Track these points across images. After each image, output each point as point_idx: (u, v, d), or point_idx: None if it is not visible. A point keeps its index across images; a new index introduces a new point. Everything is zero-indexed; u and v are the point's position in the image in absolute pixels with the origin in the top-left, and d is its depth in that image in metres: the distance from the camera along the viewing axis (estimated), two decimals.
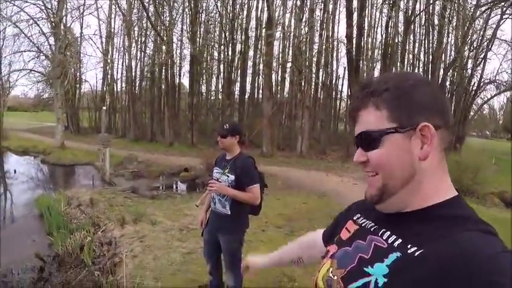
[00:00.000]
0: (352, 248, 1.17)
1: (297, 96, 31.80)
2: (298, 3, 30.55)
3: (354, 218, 1.32)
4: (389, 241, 1.07)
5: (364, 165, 1.15)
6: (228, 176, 4.24)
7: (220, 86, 38.72)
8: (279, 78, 36.66)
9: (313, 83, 31.27)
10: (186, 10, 35.20)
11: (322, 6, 29.95)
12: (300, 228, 8.76)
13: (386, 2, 28.38)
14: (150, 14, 32.12)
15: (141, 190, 13.50)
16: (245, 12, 35.80)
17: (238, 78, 36.48)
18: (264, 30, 31.60)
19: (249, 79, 37.56)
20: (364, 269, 1.05)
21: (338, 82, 39.48)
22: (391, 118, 1.08)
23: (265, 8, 29.69)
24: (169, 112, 32.82)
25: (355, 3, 24.99)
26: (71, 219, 9.40)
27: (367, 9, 30.06)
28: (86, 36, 38.89)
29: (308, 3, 29.07)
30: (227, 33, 34.61)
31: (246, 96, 37.74)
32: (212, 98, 41.14)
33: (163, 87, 36.49)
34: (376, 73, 32.40)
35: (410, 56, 33.88)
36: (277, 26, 31.13)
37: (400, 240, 1.05)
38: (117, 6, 37.03)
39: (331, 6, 30.94)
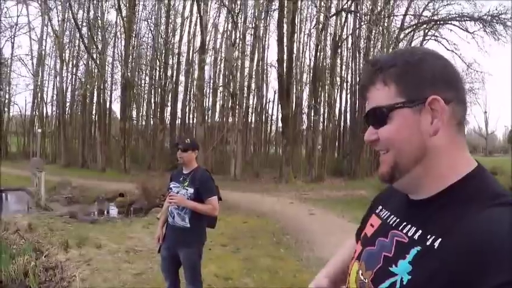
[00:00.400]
0: (376, 248, 1.15)
1: (228, 120, 32.05)
2: (230, 27, 31.06)
3: (377, 211, 1.31)
4: (410, 234, 1.04)
5: (375, 143, 1.11)
6: (187, 189, 4.37)
7: (151, 111, 38.52)
8: (210, 103, 36.91)
9: (245, 107, 31.62)
10: (119, 33, 35.05)
11: (253, 31, 30.53)
12: (244, 245, 8.97)
13: (315, 27, 29.27)
14: (83, 36, 31.67)
15: (79, 215, 13.27)
16: (177, 37, 36.05)
17: (170, 103, 36.51)
18: (196, 55, 31.86)
19: (180, 104, 37.73)
20: (389, 268, 1.03)
21: (268, 106, 40.09)
22: (399, 93, 1.05)
23: (198, 33, 30.02)
24: (101, 137, 32.33)
25: (285, 29, 25.66)
26: (10, 245, 9.15)
27: (296, 33, 30.86)
28: (17, 56, 37.88)
29: (240, 28, 29.60)
30: (159, 57, 34.53)
31: (178, 121, 37.72)
32: (143, 123, 40.81)
33: (94, 111, 35.94)
34: (305, 96, 33.27)
35: (338, 79, 34.96)
36: (209, 50, 31.47)
37: (420, 232, 1.02)
38: (49, 27, 36.32)
39: (261, 31, 31.53)
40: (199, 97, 28.13)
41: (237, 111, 29.08)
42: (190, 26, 36.22)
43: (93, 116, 36.64)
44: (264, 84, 37.62)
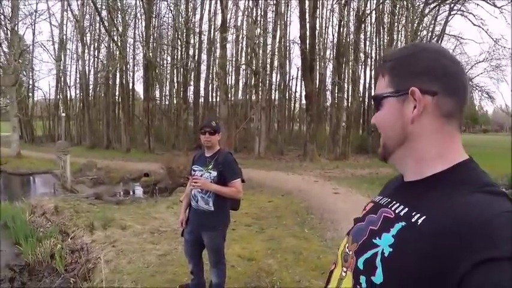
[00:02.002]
0: (365, 222, 1.20)
1: (251, 98, 31.90)
2: (251, 5, 30.76)
3: (372, 199, 1.36)
4: (397, 211, 1.10)
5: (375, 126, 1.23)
6: (211, 173, 4.31)
7: (174, 91, 38.61)
8: (233, 81, 36.81)
9: (268, 85, 31.42)
10: (139, 15, 34.99)
11: (275, 8, 30.22)
12: (269, 225, 8.91)
13: (338, 2, 28.82)
14: (103, 19, 31.74)
15: (104, 196, 13.36)
16: (198, 16, 35.86)
17: (193, 82, 36.49)
18: (217, 33, 31.69)
19: (203, 83, 37.66)
20: (373, 240, 1.07)
21: (292, 83, 39.83)
22: (389, 84, 1.16)
23: (219, 11, 29.81)
24: (125, 118, 32.48)
25: (307, 4, 25.29)
26: (37, 228, 9.25)
27: (319, 9, 30.44)
28: (38, 42, 38.18)
29: (261, 5, 29.30)
30: (180, 37, 34.47)
31: (201, 100, 37.72)
32: (167, 102, 40.97)
33: (117, 93, 36.11)
34: (329, 72, 32.93)
35: (362, 55, 34.40)
36: (231, 28, 31.27)
37: (406, 209, 1.06)
38: (69, 12, 36.48)
39: (283, 8, 31.20)
40: (221, 75, 27.95)
41: (260, 88, 28.94)
42: (210, 5, 36.08)
43: (117, 98, 36.83)
44: (287, 61, 37.25)
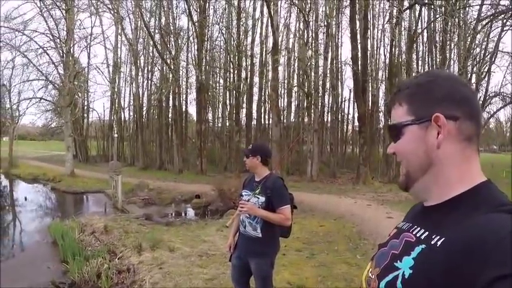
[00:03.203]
0: (387, 247, 1.22)
1: (304, 120, 31.72)
2: (302, 27, 30.75)
3: (396, 225, 1.36)
4: (418, 235, 1.11)
5: (395, 155, 1.24)
6: (258, 198, 4.13)
7: (227, 113, 38.92)
8: (285, 103, 36.79)
9: (320, 106, 31.21)
10: (191, 38, 35.53)
11: (325, 29, 30.11)
12: (320, 250, 8.64)
13: (389, 22, 28.50)
14: (156, 43, 32.38)
15: (154, 217, 13.36)
16: (249, 39, 36.17)
17: (245, 105, 36.57)
18: (269, 56, 31.79)
19: (255, 105, 37.76)
20: (394, 264, 1.09)
21: (344, 105, 39.52)
22: (410, 111, 1.16)
23: (270, 34, 29.91)
24: (178, 140, 32.84)
25: (357, 25, 25.12)
26: (85, 247, 9.29)
27: (369, 30, 30.20)
28: (93, 65, 39.30)
29: (312, 27, 29.25)
30: (233, 60, 34.73)
31: (253, 122, 37.80)
32: (219, 124, 41.27)
33: (170, 115, 36.63)
34: (381, 94, 32.51)
35: (415, 74, 33.75)
36: (282, 50, 31.33)
37: (426, 233, 1.08)
38: (123, 35, 37.47)
39: (334, 29, 31.08)
40: (273, 97, 27.90)
41: (312, 110, 28.75)
42: (261, 28, 36.37)
43: (170, 120, 37.37)
44: (339, 83, 37.05)
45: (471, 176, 1.12)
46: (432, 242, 1.02)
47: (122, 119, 43.22)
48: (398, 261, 1.08)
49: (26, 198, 17.94)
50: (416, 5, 28.19)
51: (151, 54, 38.25)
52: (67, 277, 7.65)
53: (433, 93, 1.14)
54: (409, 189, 1.22)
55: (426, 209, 1.20)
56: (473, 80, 30.13)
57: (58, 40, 29.74)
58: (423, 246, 1.04)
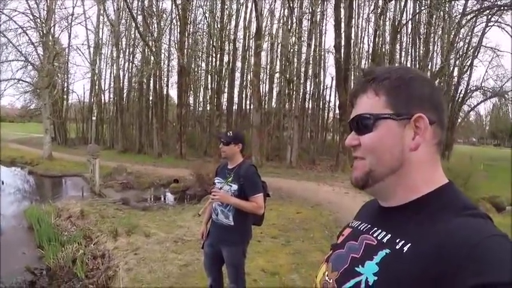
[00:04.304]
0: (345, 250, 1.17)
1: (285, 106, 31.77)
2: (286, 13, 30.68)
3: (350, 224, 1.33)
4: (379, 238, 1.08)
5: (355, 148, 1.16)
6: (231, 186, 4.13)
7: (208, 97, 38.86)
8: (267, 89, 36.78)
9: (302, 93, 31.24)
10: (174, 21, 35.23)
11: (310, 16, 30.04)
12: (295, 238, 8.69)
13: (374, 12, 28.56)
14: (138, 24, 32.07)
15: (131, 202, 13.32)
16: (233, 23, 35.96)
17: (226, 89, 36.53)
18: (252, 41, 31.70)
19: (236, 90, 37.73)
20: (356, 268, 1.05)
21: (326, 92, 39.63)
22: (388, 104, 1.10)
23: (253, 19, 29.81)
24: (158, 123, 32.66)
25: (342, 14, 25.09)
26: (61, 232, 9.24)
27: (354, 19, 30.24)
28: (74, 46, 38.74)
29: (296, 14, 29.17)
30: (215, 44, 34.58)
31: (234, 107, 37.75)
32: (200, 109, 41.17)
33: (151, 98, 36.41)
34: None
35: (397, 65, 33.96)
36: (266, 36, 31.24)
37: (389, 236, 1.05)
38: (105, 16, 37.00)
39: (318, 17, 31.03)
40: (255, 83, 27.83)
41: (293, 97, 28.77)
42: (246, 12, 36.15)
43: (150, 103, 37.08)
44: (322, 71, 37.30)
45: (436, 178, 1.11)
46: (397, 247, 0.99)
47: (102, 101, 42.71)
48: (359, 265, 1.05)
49: (3, 182, 17.71)
50: None
51: (133, 36, 37.70)
52: (42, 263, 7.61)
53: (415, 91, 1.11)
54: (367, 188, 1.15)
55: (386, 210, 1.16)
56: (456, 73, 30.47)
57: (38, 20, 29.17)
58: (387, 250, 1.01)
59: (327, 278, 1.16)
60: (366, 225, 1.20)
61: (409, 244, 0.97)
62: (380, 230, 1.10)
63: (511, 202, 14.93)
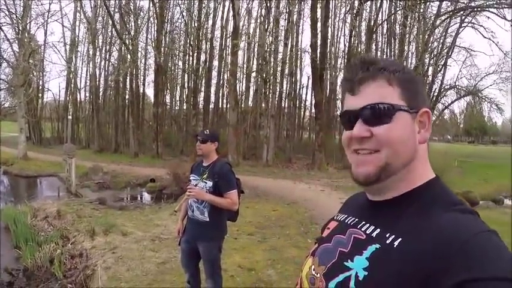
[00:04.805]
0: (332, 244, 1.15)
1: (261, 105, 31.87)
2: (264, 13, 30.76)
3: (335, 217, 1.31)
4: (368, 232, 1.06)
5: (362, 140, 1.07)
6: (206, 183, 4.23)
7: (184, 96, 38.65)
8: (244, 88, 36.82)
9: (278, 92, 31.39)
10: (151, 19, 35.09)
11: (287, 16, 30.20)
12: (271, 235, 8.80)
13: (350, 12, 28.80)
14: (115, 22, 31.84)
15: (108, 201, 13.30)
16: (210, 22, 35.87)
17: (203, 88, 36.41)
18: (229, 40, 31.71)
19: (213, 89, 37.68)
20: (344, 263, 1.03)
21: (302, 91, 39.81)
22: (402, 97, 1.07)
23: (231, 18, 29.82)
24: (134, 122, 32.52)
25: (319, 14, 25.27)
26: (38, 232, 9.20)
27: (330, 19, 30.46)
28: (50, 43, 38.28)
29: (273, 14, 29.29)
30: (192, 43, 34.51)
31: (211, 106, 37.69)
32: (176, 108, 41.01)
33: (127, 97, 36.21)
34: (340, 82, 32.94)
35: None
36: (242, 35, 31.29)
37: (378, 230, 1.04)
38: (82, 14, 36.62)
39: (295, 17, 31.18)
40: (232, 82, 27.97)
41: (270, 96, 28.89)
42: (223, 11, 36.07)
43: (127, 101, 36.89)
44: (298, 70, 37.51)
45: (428, 172, 1.11)
46: (387, 242, 0.98)
47: (78, 100, 42.37)
48: (348, 260, 1.02)
49: None
50: None
51: (110, 34, 37.41)
52: (19, 263, 7.59)
53: (420, 87, 1.13)
54: (377, 184, 1.08)
55: (375, 203, 1.14)
56: (430, 72, 30.91)
57: (14, 16, 28.79)
58: (377, 245, 0.99)
59: (313, 272, 1.13)
60: (354, 218, 1.17)
61: (400, 239, 0.96)
62: (368, 224, 1.09)
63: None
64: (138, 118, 34.15)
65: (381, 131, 1.04)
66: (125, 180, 18.86)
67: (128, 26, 32.28)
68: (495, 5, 26.67)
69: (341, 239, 1.13)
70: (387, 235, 0.99)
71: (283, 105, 35.70)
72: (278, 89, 30.92)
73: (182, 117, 38.28)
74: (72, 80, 40.08)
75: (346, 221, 1.20)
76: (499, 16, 27.74)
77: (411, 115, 1.06)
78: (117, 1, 32.16)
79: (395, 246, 0.95)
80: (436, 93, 32.32)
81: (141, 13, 34.28)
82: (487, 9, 27.53)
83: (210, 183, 4.20)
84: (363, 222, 1.11)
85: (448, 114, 69.39)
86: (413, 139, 1.07)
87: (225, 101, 37.92)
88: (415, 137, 1.07)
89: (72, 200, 13.16)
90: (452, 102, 36.10)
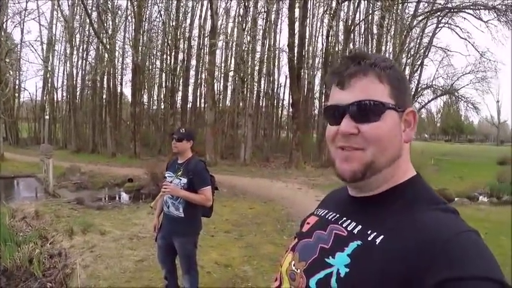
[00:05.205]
0: (313, 239, 1.14)
1: (239, 104, 31.98)
2: (241, 12, 30.85)
3: (315, 212, 1.32)
4: (349, 228, 1.06)
5: (348, 138, 1.07)
6: (181, 179, 4.39)
7: (162, 95, 38.62)
8: (221, 87, 36.85)
9: (256, 92, 31.51)
10: (129, 18, 34.89)
11: (265, 15, 30.33)
12: (248, 232, 8.96)
13: (327, 12, 29.02)
14: (93, 21, 31.61)
15: (86, 201, 13.30)
16: (188, 21, 35.85)
17: (181, 88, 36.39)
18: (207, 39, 31.73)
19: (191, 88, 37.63)
20: (326, 259, 1.03)
21: (279, 90, 39.98)
22: (392, 95, 1.07)
23: (209, 17, 29.85)
24: (112, 122, 32.33)
25: (297, 13, 25.45)
26: (17, 232, 9.19)
27: (308, 19, 30.65)
28: (26, 42, 37.78)
29: (251, 13, 29.38)
30: (170, 42, 34.47)
31: (189, 106, 37.65)
32: (154, 107, 40.88)
33: (104, 96, 35.98)
34: (317, 81, 33.12)
35: None
36: (220, 35, 31.34)
37: (359, 227, 1.04)
38: (59, 12, 36.21)
39: (273, 16, 31.35)
40: (210, 81, 27.97)
41: (248, 95, 29.00)
42: (201, 10, 35.90)
43: (104, 101, 36.60)
44: (275, 69, 37.72)
45: (409, 169, 1.12)
46: (369, 239, 0.98)
47: (55, 99, 41.73)
48: (330, 257, 1.03)
49: None
50: None
51: (87, 33, 36.98)
52: None
53: (407, 86, 1.14)
54: (362, 181, 1.08)
55: (357, 199, 1.15)
56: (407, 71, 31.31)
57: None
58: (358, 242, 1.00)
59: (293, 267, 1.13)
60: (334, 214, 1.18)
61: (382, 236, 0.96)
62: (350, 221, 1.09)
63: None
64: (116, 118, 33.92)
65: (368, 129, 1.04)
66: (102, 180, 18.79)
67: (105, 24, 31.90)
68: (471, 7, 27.12)
69: (322, 235, 1.13)
70: (369, 232, 1.00)
71: (260, 104, 35.81)
72: (256, 89, 30.98)
73: (160, 117, 38.22)
74: (49, 80, 39.51)
75: (326, 216, 1.21)
76: (475, 17, 28.35)
77: (398, 114, 1.07)
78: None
79: (377, 243, 0.96)
80: (412, 93, 32.71)
81: (119, 12, 33.94)
82: (463, 10, 27.99)
83: (184, 180, 4.36)
84: (344, 218, 1.12)
85: (425, 113, 70.47)
86: (399, 138, 1.08)
87: (202, 100, 37.82)
88: (401, 135, 1.08)
89: (50, 201, 13.11)
90: (429, 102, 36.74)
